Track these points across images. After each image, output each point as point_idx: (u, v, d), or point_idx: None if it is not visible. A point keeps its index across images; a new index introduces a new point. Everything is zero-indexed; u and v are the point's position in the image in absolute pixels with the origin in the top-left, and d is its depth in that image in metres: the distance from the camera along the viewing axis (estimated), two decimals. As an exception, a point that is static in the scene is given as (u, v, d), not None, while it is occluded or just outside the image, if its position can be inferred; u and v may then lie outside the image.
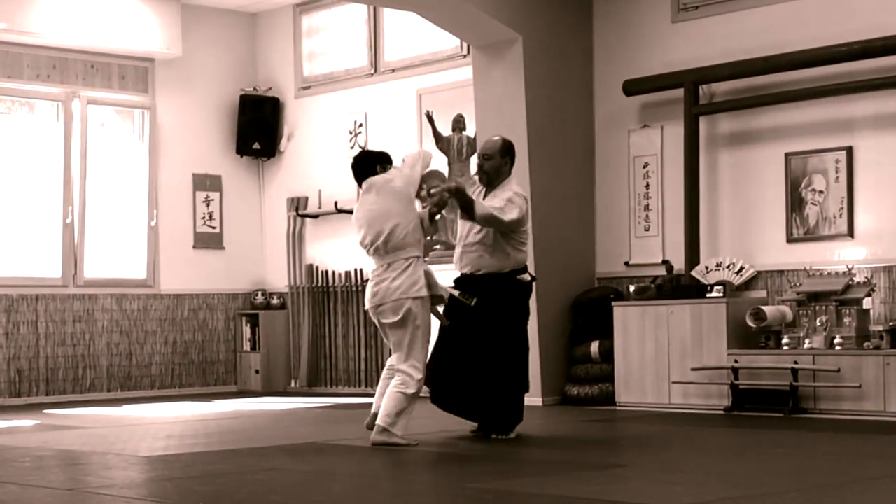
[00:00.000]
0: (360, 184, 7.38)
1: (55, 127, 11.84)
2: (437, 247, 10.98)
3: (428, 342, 7.19)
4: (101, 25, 11.73)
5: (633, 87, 10.09)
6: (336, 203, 12.02)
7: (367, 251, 7.24)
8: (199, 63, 12.66)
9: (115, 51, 12.03)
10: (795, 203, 9.34)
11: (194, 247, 12.64)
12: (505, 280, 7.39)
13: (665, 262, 9.82)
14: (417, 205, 7.35)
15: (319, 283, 12.38)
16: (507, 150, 7.51)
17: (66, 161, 11.77)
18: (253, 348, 12.67)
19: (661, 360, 9.40)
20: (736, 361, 8.96)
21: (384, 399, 7.11)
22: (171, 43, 12.15)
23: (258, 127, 12.70)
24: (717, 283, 9.32)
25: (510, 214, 7.25)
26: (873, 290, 8.77)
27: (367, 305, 7.23)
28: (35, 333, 11.59)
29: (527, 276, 7.49)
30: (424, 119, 11.12)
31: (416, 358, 7.09)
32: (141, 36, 11.98)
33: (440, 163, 11.27)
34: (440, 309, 7.34)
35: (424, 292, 7.11)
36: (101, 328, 11.95)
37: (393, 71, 11.84)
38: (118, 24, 11.82)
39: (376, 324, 7.29)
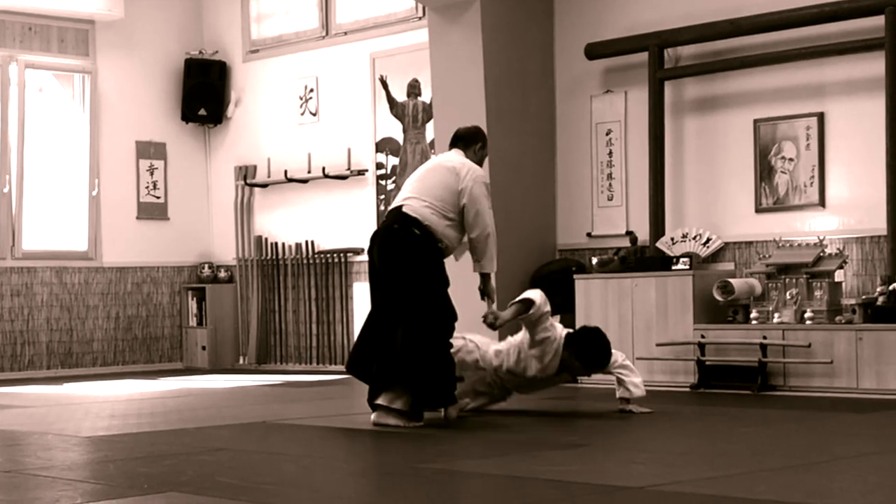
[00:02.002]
0: None
1: (-9, 92, 11.53)
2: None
3: None
4: (39, -15, 11.40)
5: (595, 51, 9.87)
6: (286, 172, 11.80)
7: None
8: (142, 25, 12.32)
9: (55, 12, 11.68)
10: (764, 171, 9.17)
11: (138, 217, 12.32)
12: None
13: (629, 233, 9.64)
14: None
15: (269, 256, 12.13)
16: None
17: (2, 128, 11.44)
18: (199, 323, 12.42)
19: (625, 335, 9.21)
20: (702, 336, 8.78)
21: None
22: (112, 4, 11.82)
23: (204, 92, 12.40)
24: (683, 255, 9.16)
25: None
26: (845, 262, 8.63)
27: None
28: (-30, 308, 11.32)
29: None
30: (378, 84, 10.98)
31: None
32: (81, -3, 11.67)
33: (395, 130, 11.04)
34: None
35: None
36: (40, 303, 11.66)
37: (345, 34, 11.57)
38: (57, -16, 11.50)
39: None
